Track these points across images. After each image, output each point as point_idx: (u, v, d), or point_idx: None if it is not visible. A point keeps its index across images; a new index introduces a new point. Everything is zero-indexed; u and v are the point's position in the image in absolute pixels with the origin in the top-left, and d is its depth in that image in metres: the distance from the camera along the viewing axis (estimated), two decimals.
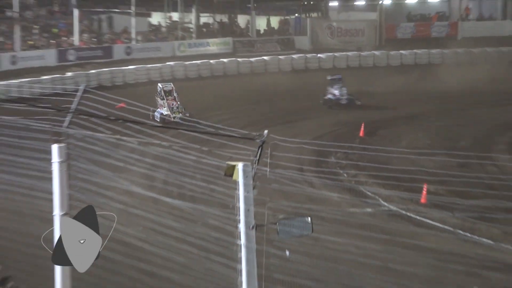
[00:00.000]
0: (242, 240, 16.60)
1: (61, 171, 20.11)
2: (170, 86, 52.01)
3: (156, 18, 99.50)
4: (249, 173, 16.68)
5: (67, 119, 20.87)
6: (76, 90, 22.25)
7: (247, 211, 16.55)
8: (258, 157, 16.53)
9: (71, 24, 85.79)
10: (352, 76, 78.29)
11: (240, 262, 16.54)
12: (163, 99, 49.10)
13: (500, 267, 29.64)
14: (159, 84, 55.64)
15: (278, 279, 17.80)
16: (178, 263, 20.90)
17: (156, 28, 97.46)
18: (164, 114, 47.56)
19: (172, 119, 44.82)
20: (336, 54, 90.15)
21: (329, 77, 67.85)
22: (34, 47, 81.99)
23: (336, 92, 64.64)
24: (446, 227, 34.87)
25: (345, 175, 43.97)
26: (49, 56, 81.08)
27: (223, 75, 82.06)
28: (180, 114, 45.62)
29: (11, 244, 24.73)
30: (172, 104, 49.62)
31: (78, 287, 19.95)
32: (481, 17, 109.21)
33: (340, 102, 63.99)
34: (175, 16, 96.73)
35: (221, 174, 17.33)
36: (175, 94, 51.82)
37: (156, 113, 40.81)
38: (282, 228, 16.69)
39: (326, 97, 65.59)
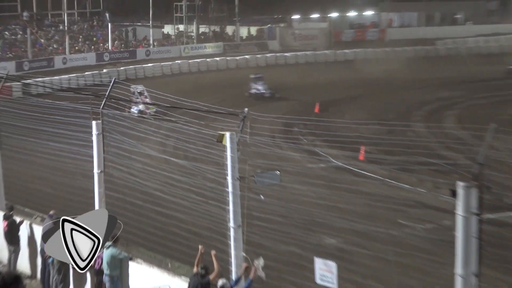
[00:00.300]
0: (230, 188, 16.63)
1: (98, 140, 20.21)
2: (141, 87, 49.55)
3: (167, 29, 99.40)
4: (234, 139, 16.76)
5: (103, 102, 20.86)
6: (109, 82, 22.25)
7: (233, 167, 16.64)
8: (241, 128, 16.59)
9: (106, 34, 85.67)
10: (310, 70, 78.25)
11: (228, 204, 16.54)
12: (137, 98, 47.21)
13: (417, 205, 29.70)
14: (131, 86, 52.61)
15: (255, 216, 17.77)
16: (184, 206, 20.82)
17: (167, 36, 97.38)
18: (141, 109, 45.44)
19: (148, 113, 43.33)
20: (298, 53, 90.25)
21: (252, 76, 66.26)
22: (79, 51, 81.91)
23: (260, 87, 63.38)
24: (377, 176, 34.88)
25: (305, 140, 43.94)
26: (90, 58, 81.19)
27: (216, 69, 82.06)
28: (154, 109, 44.19)
29: (63, 194, 24.59)
30: (146, 101, 47.21)
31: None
32: (402, 25, 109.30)
33: (264, 95, 62.33)
34: (181, 27, 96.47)
35: (214, 141, 17.31)
36: (145, 93, 49.45)
37: (132, 109, 38.80)
38: (258, 179, 16.71)
39: (251, 91, 63.91)
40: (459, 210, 12.53)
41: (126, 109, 26.04)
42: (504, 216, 27.71)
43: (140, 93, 47.34)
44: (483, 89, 63.72)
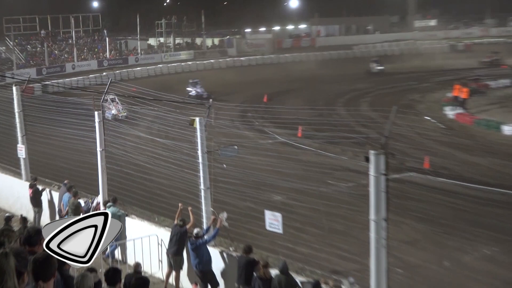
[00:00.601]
0: (200, 160, 16.55)
1: (99, 126, 19.95)
2: (112, 95, 43.10)
3: (151, 41, 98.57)
4: (203, 123, 16.63)
5: (102, 97, 20.69)
6: (107, 82, 22.04)
7: (202, 144, 16.58)
8: (207, 114, 16.48)
9: (105, 46, 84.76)
10: (259, 70, 78.01)
11: (199, 172, 16.43)
12: (110, 104, 42.91)
13: (341, 169, 29.75)
14: (104, 95, 47.34)
15: (220, 180, 17.74)
16: (166, 174, 20.69)
17: (151, 47, 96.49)
18: (114, 114, 41.56)
19: (120, 117, 39.93)
20: (250, 57, 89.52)
21: (190, 80, 62.27)
22: (84, 59, 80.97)
23: (199, 90, 59.45)
24: (311, 148, 34.95)
25: (256, 122, 43.76)
26: (93, 64, 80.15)
27: (189, 71, 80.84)
28: (125, 113, 40.38)
29: (73, 167, 24.26)
30: (117, 106, 43.60)
31: (109, 189, 19.88)
32: (327, 34, 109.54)
33: (203, 96, 56.50)
34: (161, 39, 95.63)
35: (187, 124, 17.13)
36: (116, 100, 43.78)
37: (107, 114, 33.83)
38: (221, 152, 16.66)
39: (191, 94, 59.52)
40: (371, 172, 12.60)
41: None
42: (405, 175, 27.91)
43: (112, 100, 43.72)
44: (387, 82, 64.11)
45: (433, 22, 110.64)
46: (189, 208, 16.95)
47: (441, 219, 22.30)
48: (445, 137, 38.44)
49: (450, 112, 44.72)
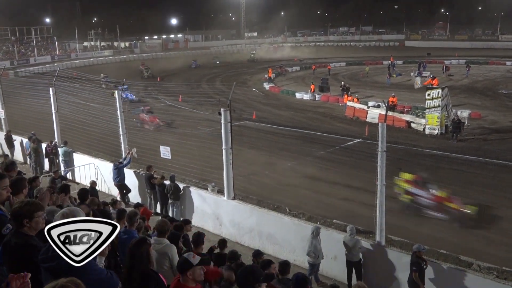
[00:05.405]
0: (119, 116, 15.57)
1: (53, 97, 18.39)
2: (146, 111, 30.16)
3: (86, 43, 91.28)
4: (119, 94, 15.62)
5: (54, 78, 19.05)
6: (57, 70, 20.22)
7: (120, 106, 15.87)
8: (122, 88, 15.51)
9: (55, 47, 78.96)
10: (154, 61, 74.29)
11: (118, 123, 15.47)
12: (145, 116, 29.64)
13: (205, 120, 29.32)
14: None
15: (132, 128, 16.90)
16: (97, 126, 19.46)
17: (85, 47, 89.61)
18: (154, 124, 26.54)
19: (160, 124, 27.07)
20: (149, 54, 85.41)
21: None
22: (42, 55, 74.63)
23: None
24: (187, 108, 34.27)
25: (153, 93, 41.90)
26: (48, 58, 73.74)
27: (110, 62, 76.06)
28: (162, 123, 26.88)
29: (39, 123, 22.00)
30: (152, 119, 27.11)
31: (62, 136, 18.57)
32: (194, 40, 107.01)
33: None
34: (92, 43, 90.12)
35: (110, 95, 16.07)
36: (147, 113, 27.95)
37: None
38: (132, 112, 15.72)
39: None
40: (222, 121, 12.59)
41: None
42: (242, 122, 28.10)
43: (149, 111, 27.63)
44: (232, 68, 63.88)
45: (255, 34, 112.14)
46: (133, 150, 15.96)
47: (263, 147, 22.77)
48: (264, 100, 39.06)
49: (266, 85, 45.47)
